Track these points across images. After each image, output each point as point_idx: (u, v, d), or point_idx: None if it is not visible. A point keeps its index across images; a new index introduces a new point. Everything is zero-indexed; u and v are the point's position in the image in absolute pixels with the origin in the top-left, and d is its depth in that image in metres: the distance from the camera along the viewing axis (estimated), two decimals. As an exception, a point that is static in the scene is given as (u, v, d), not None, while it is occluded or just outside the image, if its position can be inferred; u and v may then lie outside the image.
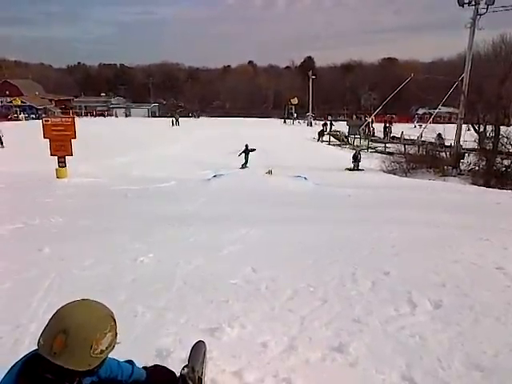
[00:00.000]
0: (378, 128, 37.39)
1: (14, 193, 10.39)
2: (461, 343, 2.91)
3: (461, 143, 22.58)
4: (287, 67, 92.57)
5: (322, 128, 37.87)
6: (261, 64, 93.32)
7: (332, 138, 35.11)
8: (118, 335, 1.54)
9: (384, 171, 20.74)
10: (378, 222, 7.10)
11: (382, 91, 52.17)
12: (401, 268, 4.42)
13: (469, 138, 22.71)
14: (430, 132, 26.26)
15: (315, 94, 56.66)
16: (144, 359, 2.33)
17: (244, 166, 19.72)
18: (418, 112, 51.70)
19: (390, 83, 46.71)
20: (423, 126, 33.00)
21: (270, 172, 16.97)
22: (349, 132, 35.85)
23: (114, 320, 1.52)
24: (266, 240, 5.85)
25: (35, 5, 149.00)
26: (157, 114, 66.38)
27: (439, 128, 25.84)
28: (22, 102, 58.03)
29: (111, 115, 62.25)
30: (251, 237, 5.96)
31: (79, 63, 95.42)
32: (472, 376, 2.57)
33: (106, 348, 1.47)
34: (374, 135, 36.56)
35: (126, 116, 62.71)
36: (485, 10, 21.21)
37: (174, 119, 46.13)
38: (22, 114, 52.71)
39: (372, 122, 39.29)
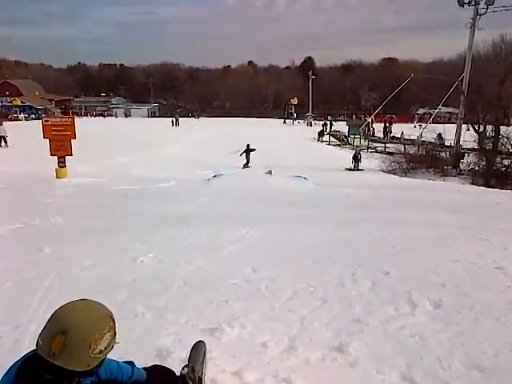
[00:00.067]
0: (378, 128, 37.38)
1: (14, 193, 10.39)
2: (461, 343, 2.91)
3: (461, 143, 22.58)
4: (287, 67, 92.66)
5: (321, 128, 37.90)
6: (261, 64, 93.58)
7: (332, 138, 35.11)
8: (118, 335, 1.54)
9: (384, 171, 20.73)
10: (378, 222, 7.10)
11: (382, 91, 52.20)
12: (401, 268, 4.42)
13: (469, 137, 22.72)
14: (429, 132, 26.26)
15: (315, 94, 56.68)
16: (144, 359, 2.33)
17: (246, 165, 19.78)
18: (418, 112, 51.68)
19: (390, 83, 46.71)
20: (423, 126, 32.99)
21: (269, 172, 16.96)
22: (349, 132, 35.84)
23: (113, 320, 1.51)
24: (266, 240, 5.84)
25: (35, 5, 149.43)
26: (157, 114, 66.33)
27: (439, 128, 25.84)
28: (21, 102, 58.00)
29: (111, 115, 62.22)
30: (251, 237, 5.96)
31: (79, 63, 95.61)
32: (472, 376, 2.57)
33: (105, 348, 1.47)
34: (373, 135, 36.56)
35: (126, 116, 62.66)
36: (485, 10, 21.22)
37: (173, 119, 46.11)
38: (21, 114, 52.68)
39: (372, 122, 39.29)
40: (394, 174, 20.13)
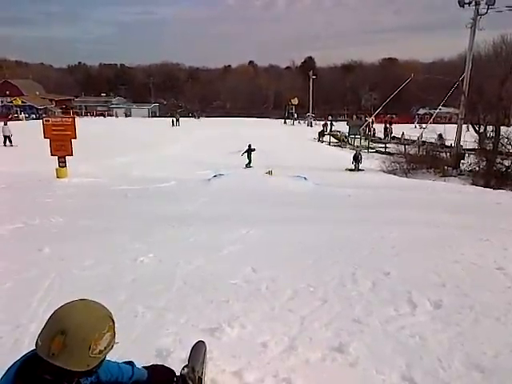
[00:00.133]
0: (379, 128, 37.39)
1: (14, 193, 10.39)
2: (461, 343, 2.91)
3: (461, 143, 22.57)
4: (288, 67, 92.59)
5: (322, 128, 37.90)
6: (261, 64, 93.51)
7: (332, 139, 35.11)
8: (118, 335, 1.54)
9: (384, 171, 20.73)
10: (378, 222, 7.10)
11: (382, 91, 52.15)
12: (401, 268, 4.42)
13: (469, 138, 22.72)
14: (430, 132, 26.26)
15: (315, 94, 56.67)
16: (144, 359, 2.33)
17: (248, 165, 19.87)
18: (419, 112, 51.67)
19: (390, 83, 46.70)
20: (423, 126, 32.99)
21: (270, 172, 16.97)
22: (349, 132, 35.84)
23: (113, 320, 1.51)
24: (266, 240, 5.84)
25: (35, 5, 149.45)
26: (157, 114, 66.34)
27: (439, 128, 25.82)
28: (22, 101, 58.01)
29: (111, 115, 62.21)
30: (251, 237, 5.96)
31: (80, 63, 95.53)
32: (472, 376, 2.57)
33: (105, 348, 1.46)
34: (374, 135, 36.56)
35: (126, 116, 62.68)
36: (485, 11, 21.20)
37: (174, 119, 46.14)
38: (22, 114, 52.69)
39: (372, 123, 39.30)
40: (395, 174, 20.12)
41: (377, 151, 28.40)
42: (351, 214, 8.59)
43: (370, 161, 22.63)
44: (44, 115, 25.99)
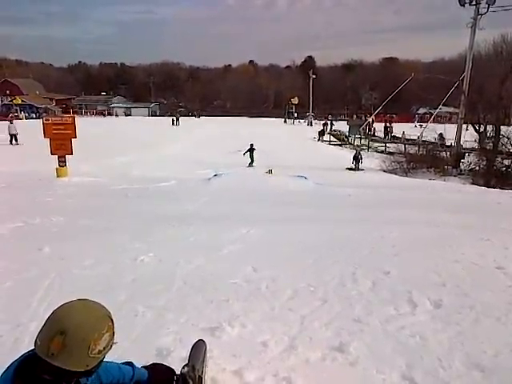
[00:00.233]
0: (379, 128, 37.39)
1: (14, 192, 10.38)
2: (461, 343, 2.91)
3: (461, 143, 22.57)
4: (288, 67, 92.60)
5: (322, 128, 37.91)
6: (261, 63, 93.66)
7: (332, 138, 35.11)
8: (118, 334, 1.54)
9: (384, 171, 20.74)
10: (379, 222, 7.09)
11: (382, 91, 52.20)
12: (401, 268, 4.42)
13: (469, 137, 22.71)
14: (430, 132, 26.27)
15: (316, 93, 56.72)
16: (144, 358, 2.34)
17: (251, 164, 19.96)
18: (419, 112, 51.70)
19: (390, 83, 46.77)
20: (424, 125, 32.99)
21: (270, 171, 16.98)
22: (349, 132, 35.86)
23: (112, 320, 1.51)
24: (267, 239, 5.84)
25: (36, 4, 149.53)
26: (157, 114, 66.38)
27: (440, 128, 25.83)
28: (22, 101, 58.07)
29: (111, 114, 62.20)
30: (251, 236, 5.96)
31: (80, 62, 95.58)
32: (472, 376, 2.56)
33: (104, 348, 1.46)
34: (374, 135, 36.57)
35: (126, 115, 62.69)
36: (486, 10, 21.19)
37: (174, 118, 46.17)
38: (22, 113, 52.70)
39: (372, 122, 39.30)
40: (395, 173, 20.13)
41: (377, 151, 28.40)
42: (351, 213, 8.58)
43: (369, 160, 22.64)
44: (44, 114, 26.05)
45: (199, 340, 2.59)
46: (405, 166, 21.13)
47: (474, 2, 21.31)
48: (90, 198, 9.81)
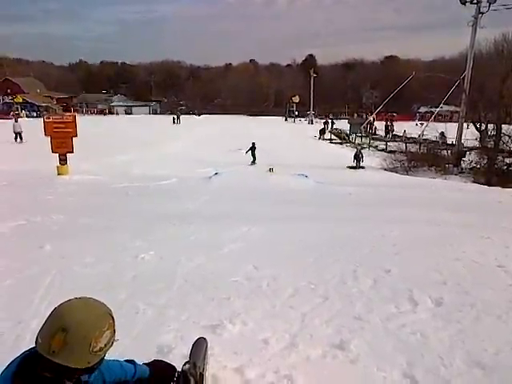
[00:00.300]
0: (380, 126, 37.36)
1: (15, 190, 10.39)
2: (462, 341, 2.91)
3: (462, 141, 22.54)
4: (288, 65, 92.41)
5: (323, 126, 37.88)
6: (262, 62, 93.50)
7: (333, 136, 35.10)
8: (119, 332, 1.54)
9: (385, 169, 20.72)
10: (379, 221, 7.09)
11: (383, 89, 52.05)
12: (402, 266, 4.42)
13: (470, 136, 22.68)
14: (431, 130, 26.24)
15: (316, 92, 56.67)
16: (146, 355, 2.34)
17: (253, 162, 20.06)
18: (420, 110, 51.63)
19: (391, 81, 46.61)
20: (425, 124, 32.97)
21: (271, 170, 16.98)
22: (350, 130, 35.82)
23: (113, 317, 1.52)
24: (268, 238, 5.85)
25: (36, 3, 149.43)
26: (158, 112, 66.41)
27: (441, 126, 25.81)
28: (23, 99, 58.06)
29: (112, 113, 62.19)
30: (252, 235, 5.96)
31: (80, 61, 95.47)
32: (473, 374, 2.57)
33: (105, 345, 1.47)
34: (375, 133, 36.55)
35: (127, 114, 62.69)
36: (487, 8, 21.14)
37: (175, 117, 46.18)
38: (23, 112, 52.71)
39: (373, 121, 39.26)
40: (396, 172, 20.11)
41: (378, 149, 28.38)
42: (352, 212, 8.59)
43: (370, 159, 22.63)
44: (45, 112, 26.09)
45: (200, 337, 2.59)
46: (406, 165, 21.10)
47: (475, 1, 21.28)
48: (90, 197, 9.82)
